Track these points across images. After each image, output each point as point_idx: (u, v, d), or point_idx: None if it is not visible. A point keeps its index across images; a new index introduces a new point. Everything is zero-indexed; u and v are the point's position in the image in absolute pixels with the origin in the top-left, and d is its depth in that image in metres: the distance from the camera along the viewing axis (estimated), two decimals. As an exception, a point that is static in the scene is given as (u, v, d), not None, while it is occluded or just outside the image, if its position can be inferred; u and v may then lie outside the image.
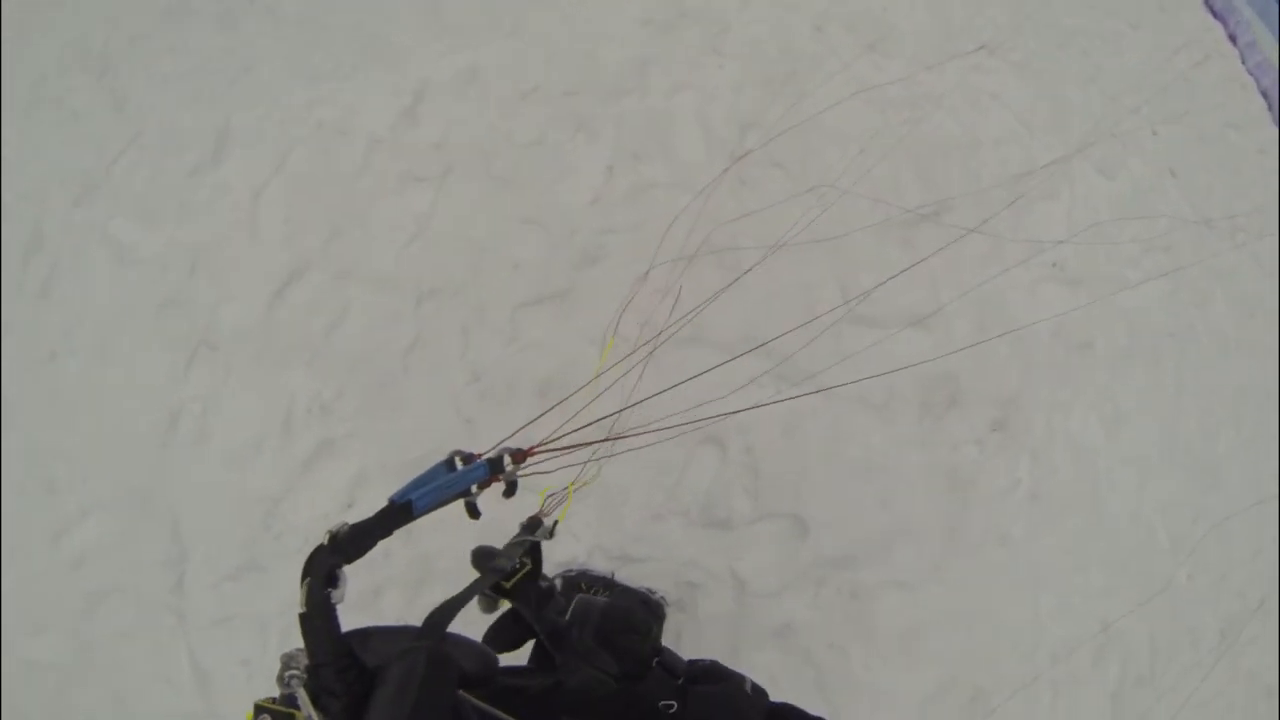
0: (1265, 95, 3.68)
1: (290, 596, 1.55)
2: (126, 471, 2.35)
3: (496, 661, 0.80)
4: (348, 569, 0.73)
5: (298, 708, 0.65)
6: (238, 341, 2.34)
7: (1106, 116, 2.98)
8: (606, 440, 1.33)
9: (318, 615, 0.67)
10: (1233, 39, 3.79)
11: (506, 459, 0.96)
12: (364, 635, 0.69)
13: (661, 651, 0.81)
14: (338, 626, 0.68)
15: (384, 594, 2.11)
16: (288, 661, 0.65)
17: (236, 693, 2.10)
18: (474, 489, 0.93)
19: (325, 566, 0.70)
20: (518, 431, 1.19)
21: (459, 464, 0.92)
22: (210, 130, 2.70)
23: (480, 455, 0.96)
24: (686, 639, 2.12)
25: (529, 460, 1.00)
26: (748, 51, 2.70)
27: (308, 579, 0.69)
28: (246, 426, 2.26)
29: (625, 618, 0.96)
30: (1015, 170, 2.69)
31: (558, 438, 1.13)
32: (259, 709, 0.68)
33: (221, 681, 2.13)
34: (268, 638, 2.12)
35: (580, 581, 2.01)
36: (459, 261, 2.26)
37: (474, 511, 0.95)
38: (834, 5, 2.92)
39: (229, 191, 2.57)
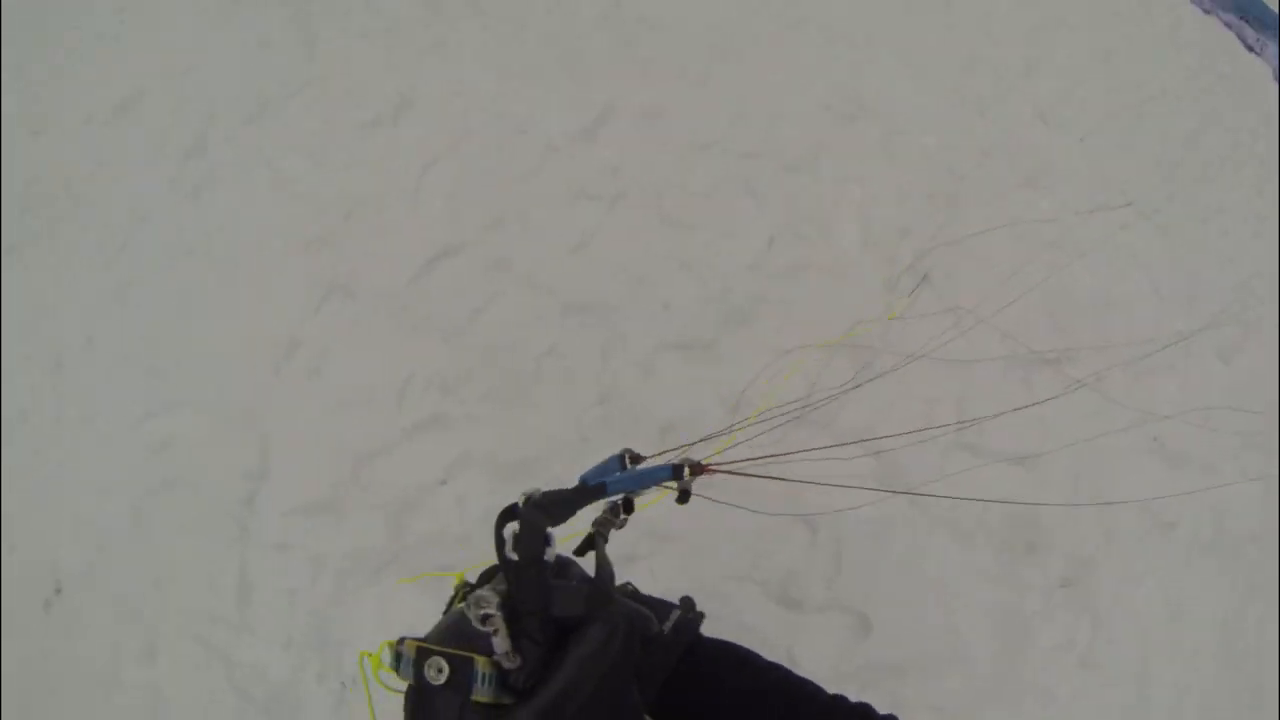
0: None
1: (360, 547, 1.63)
2: (232, 382, 2.42)
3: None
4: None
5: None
6: (376, 298, 2.41)
7: (1236, 300, 3.02)
8: (773, 459, 1.36)
9: (533, 567, 0.65)
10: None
11: (686, 470, 0.99)
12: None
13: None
14: (549, 578, 0.67)
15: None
16: (478, 601, 0.61)
17: (273, 617, 2.12)
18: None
19: (540, 521, 0.69)
20: (698, 443, 1.30)
21: (628, 461, 0.96)
22: (393, 92, 2.80)
23: (645, 457, 1.00)
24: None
25: (703, 475, 1.02)
26: (916, 159, 2.77)
27: (524, 529, 0.67)
28: (362, 378, 2.32)
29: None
30: (1140, 335, 2.73)
31: (732, 461, 1.15)
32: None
33: (262, 601, 2.14)
34: (321, 577, 2.13)
35: None
36: (613, 285, 2.32)
37: (685, 498, 1.01)
38: (1002, 134, 3.00)
39: (400, 155, 2.66)
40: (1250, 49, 4.34)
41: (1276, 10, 4.51)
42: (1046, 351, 2.56)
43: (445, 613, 0.69)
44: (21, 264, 3.08)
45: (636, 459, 0.98)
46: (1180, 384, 2.72)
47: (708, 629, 0.93)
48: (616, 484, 0.92)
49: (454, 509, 2.13)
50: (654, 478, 0.96)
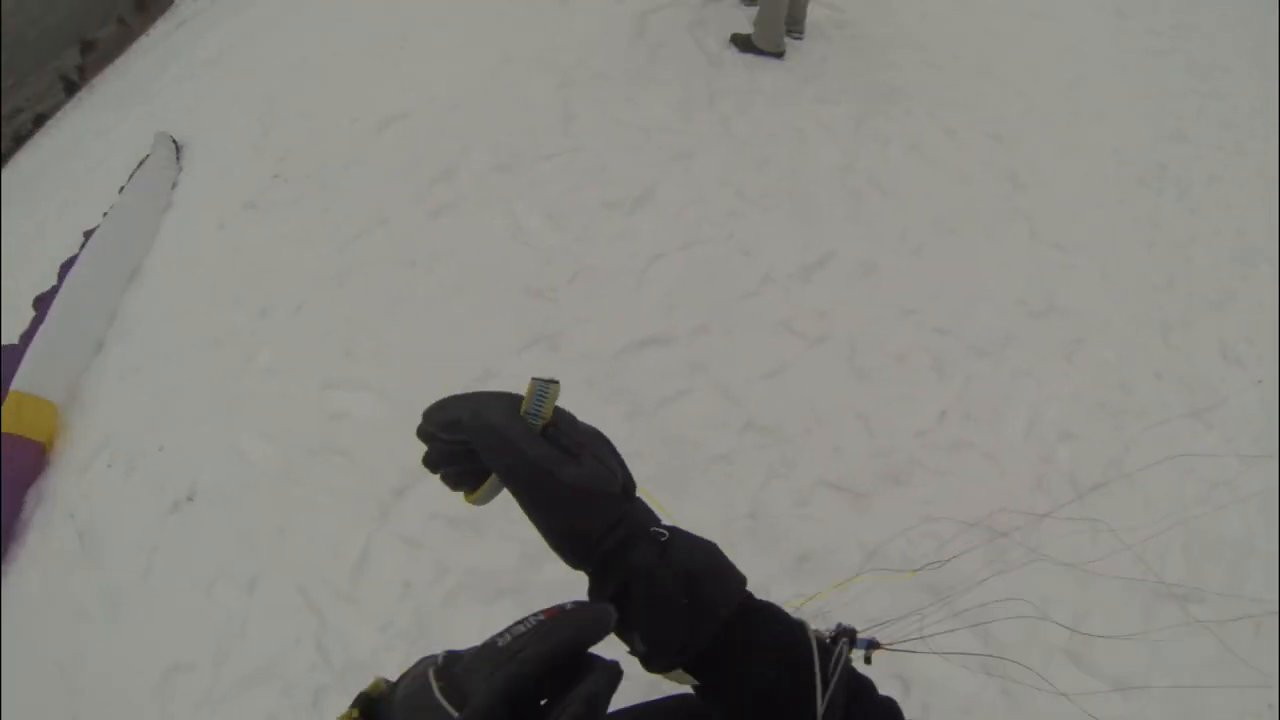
0: None
1: (488, 568, 2.39)
2: (419, 385, 2.55)
3: None
4: None
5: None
6: (579, 358, 2.67)
7: None
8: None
9: None
10: None
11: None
12: None
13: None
14: None
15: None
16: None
17: (380, 599, 2.25)
18: None
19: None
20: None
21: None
22: (637, 183, 3.15)
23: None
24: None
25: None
26: (1093, 368, 2.91)
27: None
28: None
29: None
30: (1275, 592, 2.74)
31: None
32: None
33: (376, 581, 2.29)
34: (441, 581, 2.23)
35: None
36: (794, 415, 2.54)
37: None
38: (1180, 361, 3.10)
39: (632, 240, 2.97)
40: None
41: None
42: (1174, 585, 2.65)
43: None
44: (260, 217, 3.57)
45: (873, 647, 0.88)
46: None
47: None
48: None
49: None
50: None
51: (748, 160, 3.22)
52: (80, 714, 2.43)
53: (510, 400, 0.54)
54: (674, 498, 2.46)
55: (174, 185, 4.33)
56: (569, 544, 0.53)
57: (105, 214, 4.29)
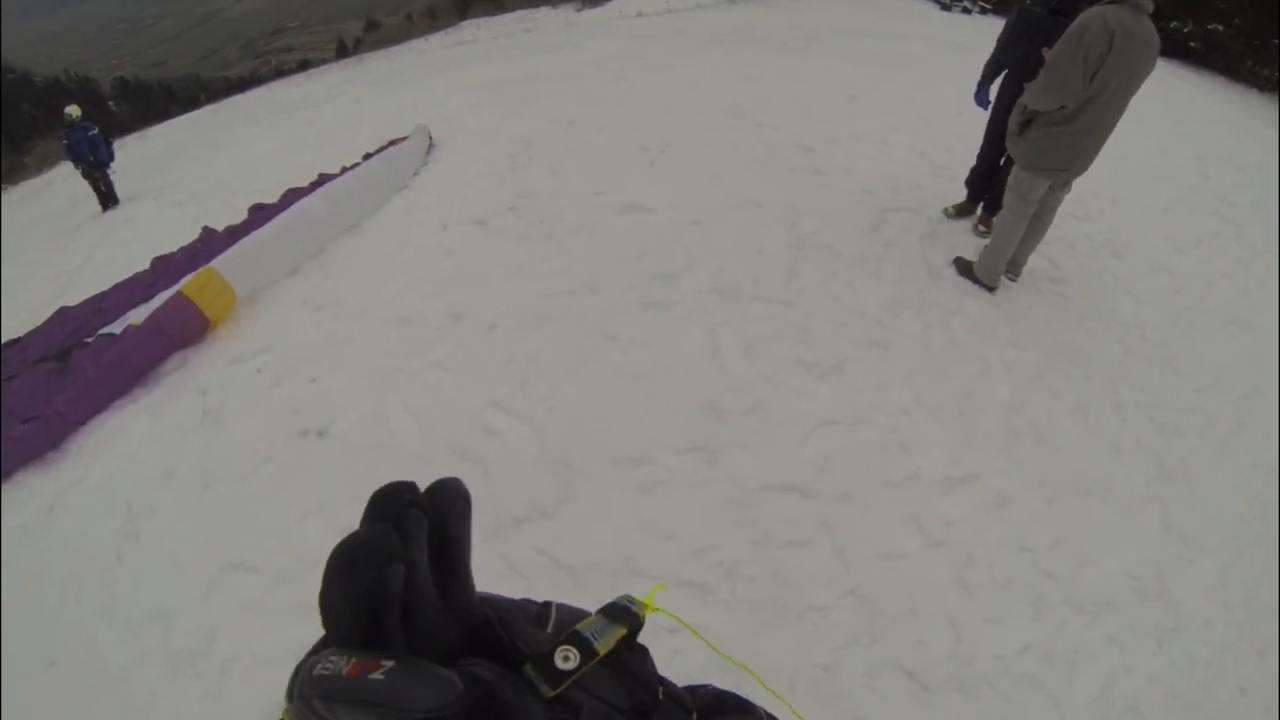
0: None
1: None
2: (573, 439, 2.75)
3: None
4: None
5: None
6: (727, 476, 2.86)
7: None
8: None
9: None
10: None
11: None
12: None
13: (663, 680, 0.48)
14: None
15: None
16: None
17: None
18: None
19: None
20: None
21: None
22: (833, 355, 3.44)
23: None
24: None
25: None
26: (1180, 661, 2.91)
27: None
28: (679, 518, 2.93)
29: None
30: None
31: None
32: None
33: None
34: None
35: None
36: (895, 598, 2.67)
37: None
38: (1265, 678, 3.02)
39: (812, 400, 3.25)
40: None
41: None
42: None
43: None
44: (484, 235, 3.53)
45: None
46: None
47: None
48: None
49: (669, 654, 2.28)
50: None
51: (933, 370, 3.48)
52: (127, 555, 2.44)
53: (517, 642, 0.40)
54: (762, 627, 2.58)
55: (416, 173, 4.60)
56: None
57: (345, 167, 4.62)
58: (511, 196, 4.21)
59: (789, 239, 4.08)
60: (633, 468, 2.80)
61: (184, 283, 3.30)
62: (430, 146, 5.12)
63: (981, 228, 4.55)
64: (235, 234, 3.78)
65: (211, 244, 3.69)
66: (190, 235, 3.73)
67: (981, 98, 4.26)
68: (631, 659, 0.43)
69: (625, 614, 0.43)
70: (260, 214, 3.97)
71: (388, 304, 3.48)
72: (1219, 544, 3.33)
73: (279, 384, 3.05)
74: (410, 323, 3.35)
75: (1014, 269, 4.25)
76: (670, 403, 3.10)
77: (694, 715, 0.45)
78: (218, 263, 3.48)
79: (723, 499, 2.81)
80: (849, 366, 3.36)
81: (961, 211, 4.69)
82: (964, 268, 4.10)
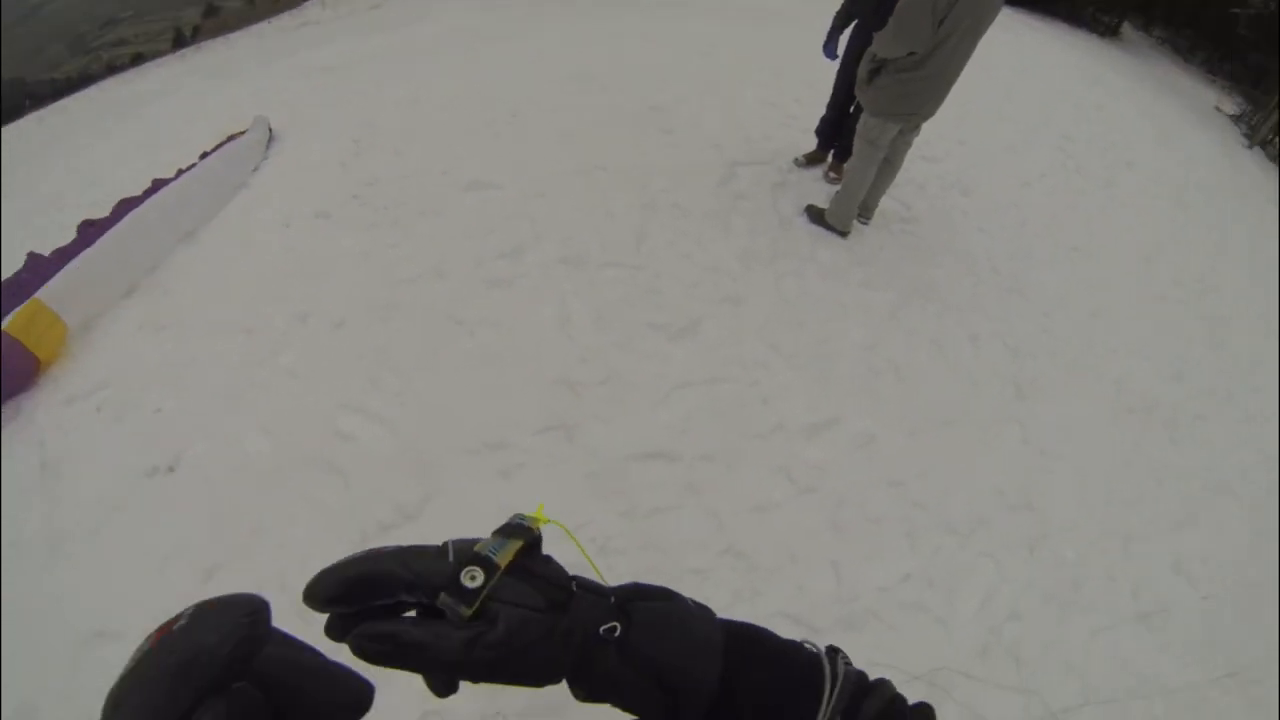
0: None
1: None
2: (430, 436, 2.77)
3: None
4: None
5: None
6: (588, 451, 2.95)
7: None
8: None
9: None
10: None
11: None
12: None
13: (577, 577, 0.53)
14: None
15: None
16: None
17: None
18: None
19: None
20: None
21: None
22: (687, 316, 3.57)
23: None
24: None
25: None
26: (1051, 564, 3.23)
27: None
28: (539, 499, 3.00)
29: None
30: None
31: None
32: None
33: None
34: None
35: None
36: (771, 552, 2.79)
37: None
38: (1132, 565, 3.41)
39: (667, 362, 3.35)
40: None
41: None
42: None
43: None
44: (327, 228, 3.62)
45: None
46: None
47: None
48: None
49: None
50: None
51: (788, 320, 3.69)
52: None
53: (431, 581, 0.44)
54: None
55: (256, 169, 4.50)
56: (537, 684, 0.46)
57: (180, 170, 4.29)
58: (355, 184, 4.19)
59: (637, 201, 4.22)
60: (491, 454, 2.83)
61: (7, 320, 3.04)
62: (270, 138, 4.97)
63: (832, 175, 4.84)
64: (64, 256, 3.50)
65: (39, 271, 3.40)
66: (14, 265, 3.44)
67: (830, 49, 4.52)
68: (537, 565, 0.48)
69: (519, 529, 0.48)
70: (90, 231, 3.68)
71: (231, 314, 3.37)
72: (1075, 452, 3.71)
73: (121, 420, 2.92)
74: (255, 331, 3.26)
75: (865, 213, 4.56)
76: (523, 382, 3.16)
77: (612, 599, 0.51)
78: (43, 293, 3.22)
79: (585, 474, 2.87)
80: (703, 325, 3.51)
81: (812, 160, 4.98)
82: (816, 215, 4.35)
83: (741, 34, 7.25)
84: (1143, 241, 5.97)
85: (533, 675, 0.46)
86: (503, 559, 0.45)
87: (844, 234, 4.39)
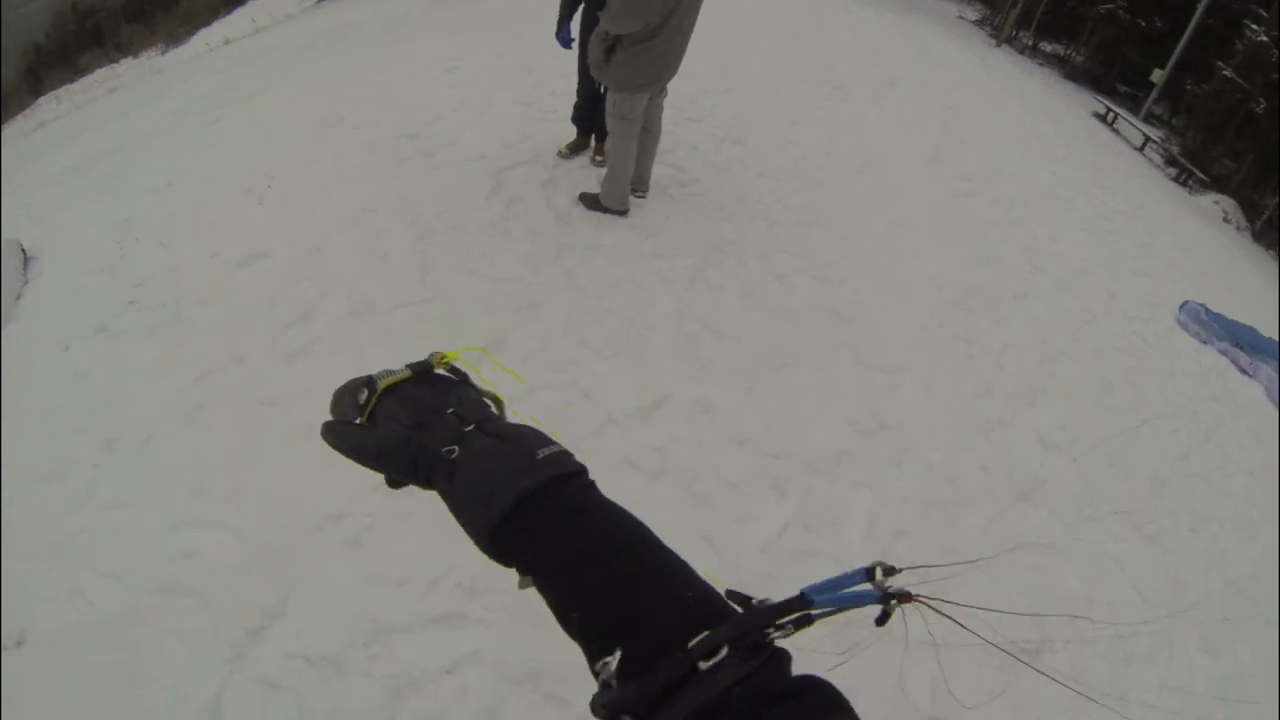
0: None
1: (351, 708, 2.05)
2: (274, 526, 2.66)
3: None
4: None
5: None
6: (431, 496, 3.14)
7: (1225, 600, 3.61)
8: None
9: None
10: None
11: (879, 571, 0.88)
12: None
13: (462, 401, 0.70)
14: None
15: None
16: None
17: None
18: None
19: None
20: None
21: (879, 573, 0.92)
22: (485, 334, 3.69)
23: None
24: None
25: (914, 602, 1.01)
26: (921, 473, 3.57)
27: None
28: (399, 561, 2.79)
29: None
30: (1120, 631, 3.21)
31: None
32: None
33: None
34: None
35: None
36: None
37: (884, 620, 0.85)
38: (1002, 454, 3.85)
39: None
40: (1244, 372, 5.47)
41: (1270, 336, 5.63)
42: (1024, 642, 3.13)
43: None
44: (109, 343, 3.70)
45: (890, 571, 0.94)
46: (1162, 676, 3.20)
47: None
48: (822, 598, 0.85)
49: (454, 699, 2.40)
50: (855, 600, 0.90)
51: (590, 310, 3.86)
52: None
53: (345, 402, 0.71)
54: (530, 629, 2.62)
55: (18, 298, 4.25)
56: (409, 482, 0.69)
57: None
58: (127, 288, 4.06)
59: (412, 233, 4.31)
60: (334, 526, 2.87)
61: None
62: (26, 260, 4.72)
63: (598, 158, 5.08)
64: None
65: None
66: None
67: (564, 36, 4.77)
68: (424, 391, 0.69)
69: (418, 363, 0.70)
70: None
71: (29, 463, 3.23)
72: (911, 360, 4.12)
73: None
74: (62, 474, 3.17)
75: (640, 186, 4.84)
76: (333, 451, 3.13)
77: (473, 426, 0.65)
78: None
79: (433, 522, 2.85)
80: (507, 339, 3.61)
81: (575, 148, 5.22)
82: (591, 201, 4.60)
83: (486, 41, 7.51)
84: (921, 146, 6.73)
85: (402, 474, 0.67)
86: (383, 384, 0.68)
87: (623, 213, 4.63)
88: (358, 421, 0.68)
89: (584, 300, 3.97)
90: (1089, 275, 6.06)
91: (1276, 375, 5.59)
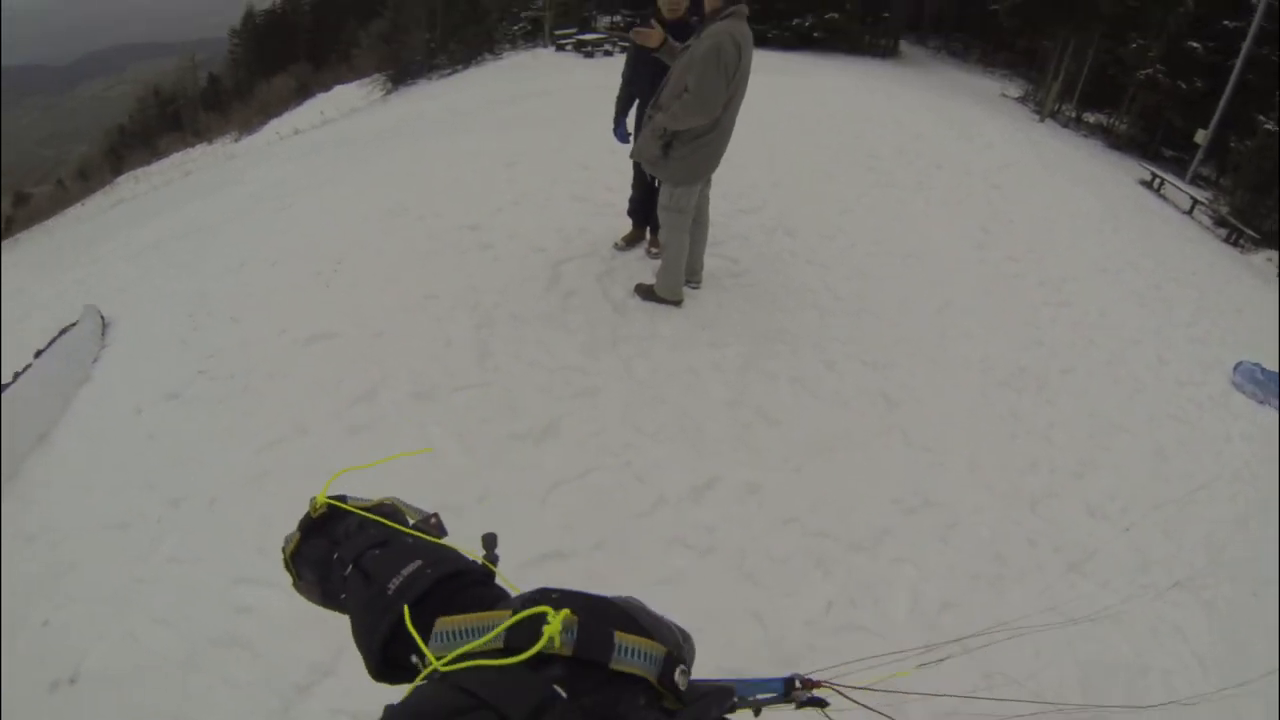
0: None
1: None
2: None
3: None
4: None
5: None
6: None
7: None
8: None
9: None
10: None
11: (798, 682, 1.12)
12: None
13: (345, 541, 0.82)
14: None
15: None
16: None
17: None
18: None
19: None
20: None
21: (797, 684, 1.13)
22: (544, 417, 3.90)
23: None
24: None
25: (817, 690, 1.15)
26: (968, 547, 3.69)
27: None
28: None
29: None
30: (1178, 698, 3.19)
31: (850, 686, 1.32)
32: None
33: None
34: None
35: None
36: (688, 618, 3.10)
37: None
38: (1050, 526, 3.94)
39: (537, 469, 3.64)
40: None
41: None
42: (1074, 707, 3.06)
43: None
44: (180, 408, 3.98)
45: (809, 685, 1.12)
46: None
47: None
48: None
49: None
50: (764, 688, 1.08)
51: (645, 398, 4.10)
52: None
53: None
54: None
55: (95, 360, 4.64)
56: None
57: (16, 374, 4.46)
58: (198, 358, 4.40)
59: (472, 320, 4.61)
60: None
61: None
62: (105, 326, 5.17)
63: (653, 249, 5.38)
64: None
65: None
66: None
67: (620, 131, 5.12)
68: (314, 546, 0.86)
69: (302, 519, 0.89)
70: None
71: (99, 512, 3.50)
72: (959, 440, 4.27)
73: (10, 638, 3.02)
74: (130, 525, 3.41)
75: (694, 277, 5.13)
76: None
77: (351, 566, 0.77)
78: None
79: None
80: (563, 423, 3.82)
81: (631, 240, 5.53)
82: (646, 292, 4.84)
83: (544, 138, 7.99)
84: (968, 230, 6.95)
85: (326, 606, 0.85)
86: (287, 553, 0.86)
87: (678, 303, 4.92)
88: (293, 582, 0.88)
89: (640, 388, 4.21)
90: (1140, 345, 6.13)
91: (1336, 432, 5.53)
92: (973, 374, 4.84)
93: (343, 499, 0.88)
